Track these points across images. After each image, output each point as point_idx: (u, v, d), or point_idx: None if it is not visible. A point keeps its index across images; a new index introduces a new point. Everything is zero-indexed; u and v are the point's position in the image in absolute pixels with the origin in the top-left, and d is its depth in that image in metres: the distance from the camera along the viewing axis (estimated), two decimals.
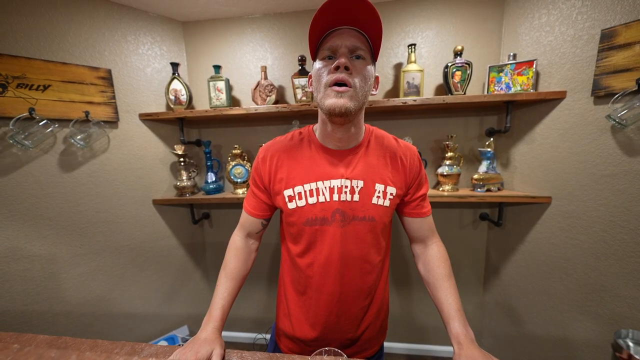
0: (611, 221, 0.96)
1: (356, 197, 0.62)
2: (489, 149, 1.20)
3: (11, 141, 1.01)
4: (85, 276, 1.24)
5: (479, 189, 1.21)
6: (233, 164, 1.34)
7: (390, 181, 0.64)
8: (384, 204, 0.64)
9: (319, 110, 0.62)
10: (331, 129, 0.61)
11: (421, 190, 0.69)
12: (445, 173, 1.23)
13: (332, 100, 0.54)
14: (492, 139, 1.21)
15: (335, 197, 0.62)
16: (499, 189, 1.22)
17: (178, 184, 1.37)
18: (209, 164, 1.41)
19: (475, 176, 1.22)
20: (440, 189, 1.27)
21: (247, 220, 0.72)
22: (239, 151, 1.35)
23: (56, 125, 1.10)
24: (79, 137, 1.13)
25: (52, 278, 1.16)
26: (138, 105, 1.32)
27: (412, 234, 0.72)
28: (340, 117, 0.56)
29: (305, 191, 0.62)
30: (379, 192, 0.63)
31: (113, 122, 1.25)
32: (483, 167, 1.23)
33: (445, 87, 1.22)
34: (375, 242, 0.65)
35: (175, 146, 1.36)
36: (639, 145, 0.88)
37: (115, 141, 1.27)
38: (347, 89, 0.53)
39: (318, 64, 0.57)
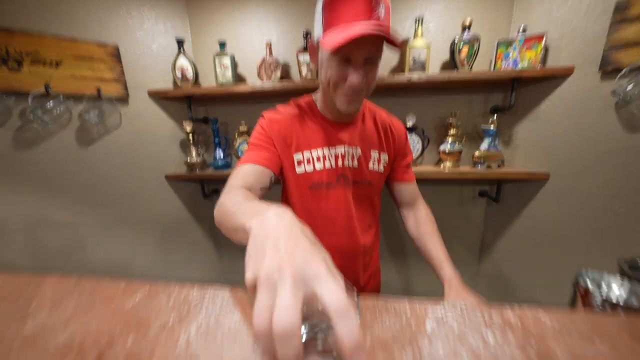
0: (613, 195, 0.99)
1: (355, 164, 0.69)
2: (491, 126, 1.21)
3: (31, 117, 1.06)
4: (104, 246, 1.34)
5: (479, 166, 1.24)
6: (240, 140, 1.38)
7: (384, 149, 0.72)
8: (379, 170, 0.72)
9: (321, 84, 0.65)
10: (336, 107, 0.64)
11: (407, 159, 0.79)
12: (447, 150, 1.25)
13: (344, 104, 0.60)
14: (495, 117, 1.22)
15: (340, 162, 0.68)
16: (499, 166, 1.24)
17: (188, 160, 1.42)
18: (216, 141, 1.45)
19: (477, 153, 1.24)
20: (442, 165, 1.30)
21: (251, 171, 0.58)
22: (245, 128, 1.39)
23: (71, 102, 1.15)
24: (92, 113, 1.18)
25: (77, 245, 1.27)
26: (146, 82, 1.34)
27: (401, 199, 0.81)
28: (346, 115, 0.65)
29: (312, 157, 0.67)
30: (374, 159, 0.71)
31: (124, 99, 1.29)
32: (485, 144, 1.25)
33: (451, 63, 1.20)
34: (371, 204, 0.76)
35: (184, 122, 1.40)
36: None
37: (127, 118, 1.31)
38: (359, 96, 0.60)
39: (331, 59, 0.55)
